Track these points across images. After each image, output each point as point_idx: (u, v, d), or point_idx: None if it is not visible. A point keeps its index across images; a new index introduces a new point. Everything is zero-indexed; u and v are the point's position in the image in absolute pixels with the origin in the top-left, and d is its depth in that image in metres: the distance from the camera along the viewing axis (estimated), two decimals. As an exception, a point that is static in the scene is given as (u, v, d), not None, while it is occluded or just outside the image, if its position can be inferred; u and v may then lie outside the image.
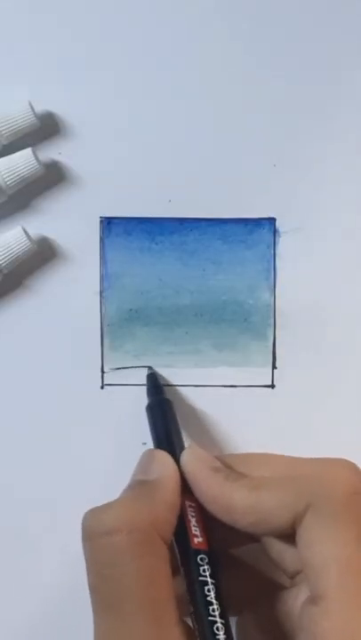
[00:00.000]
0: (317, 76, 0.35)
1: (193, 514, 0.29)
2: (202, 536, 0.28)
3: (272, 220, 0.35)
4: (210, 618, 0.26)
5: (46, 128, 0.35)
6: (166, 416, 0.33)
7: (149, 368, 0.35)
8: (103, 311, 0.35)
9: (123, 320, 0.35)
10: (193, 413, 0.35)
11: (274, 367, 0.35)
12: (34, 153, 0.34)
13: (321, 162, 0.35)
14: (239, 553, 0.31)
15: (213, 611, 0.27)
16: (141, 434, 0.35)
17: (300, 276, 0.35)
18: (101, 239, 0.35)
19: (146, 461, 0.30)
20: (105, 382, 0.35)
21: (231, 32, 0.35)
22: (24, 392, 0.35)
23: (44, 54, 0.35)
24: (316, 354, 0.35)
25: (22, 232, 0.34)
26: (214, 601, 0.27)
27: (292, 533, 0.27)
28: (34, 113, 0.33)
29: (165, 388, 0.35)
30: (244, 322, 0.35)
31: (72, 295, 0.35)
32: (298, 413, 0.35)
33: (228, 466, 0.30)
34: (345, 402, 0.35)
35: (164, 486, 0.28)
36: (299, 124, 0.35)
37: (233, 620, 0.31)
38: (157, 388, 0.34)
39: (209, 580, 0.27)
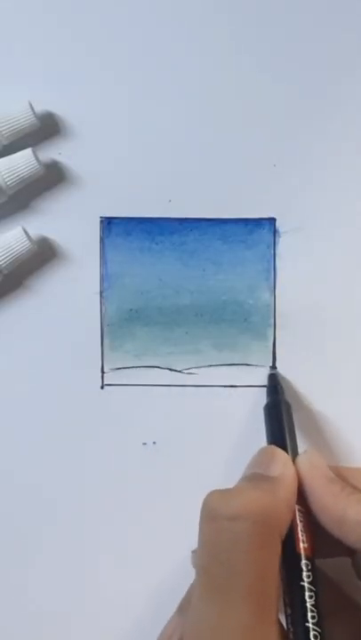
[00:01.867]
0: (318, 76, 0.35)
1: (301, 519, 0.29)
2: (307, 542, 0.28)
3: (272, 220, 0.35)
4: (307, 624, 0.26)
5: (46, 128, 0.35)
6: (284, 418, 0.32)
7: (271, 368, 0.35)
8: (103, 311, 0.35)
9: (123, 320, 0.35)
10: (198, 412, 0.35)
11: (274, 367, 0.35)
12: (34, 153, 0.34)
13: (321, 162, 0.35)
14: (326, 563, 0.31)
15: (312, 618, 0.26)
16: (141, 434, 0.35)
17: (300, 275, 0.35)
18: (101, 239, 0.35)
19: (266, 458, 0.30)
20: (105, 382, 0.35)
21: (231, 32, 0.35)
22: (24, 392, 0.35)
23: (44, 54, 0.35)
24: (316, 354, 0.35)
25: (22, 232, 0.34)
26: (312, 608, 0.27)
27: None
28: (34, 113, 0.33)
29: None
30: (244, 322, 0.35)
31: (72, 295, 0.35)
32: (298, 413, 0.35)
33: (342, 478, 0.30)
34: (345, 402, 0.35)
35: (287, 485, 0.28)
36: (299, 124, 0.35)
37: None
38: (278, 388, 0.34)
39: (311, 586, 0.27)
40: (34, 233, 0.35)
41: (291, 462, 0.30)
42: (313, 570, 0.28)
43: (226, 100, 0.35)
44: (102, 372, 0.35)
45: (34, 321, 0.35)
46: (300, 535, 0.28)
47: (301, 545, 0.28)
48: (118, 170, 0.35)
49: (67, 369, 0.35)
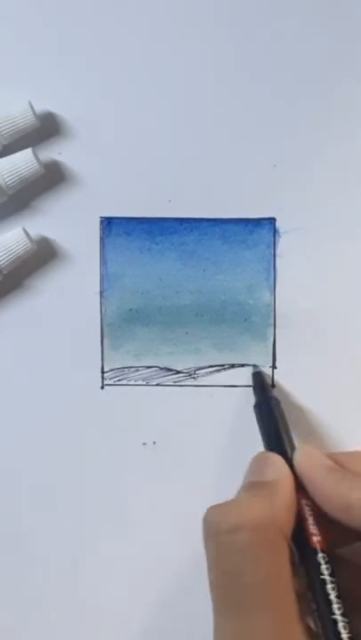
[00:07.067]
0: (318, 76, 0.35)
1: (310, 513, 0.29)
2: (320, 535, 0.28)
3: (272, 220, 0.35)
4: (333, 616, 0.26)
5: (46, 128, 0.35)
6: (275, 415, 0.32)
7: (255, 366, 0.35)
8: (103, 311, 0.35)
9: (123, 320, 0.35)
10: (195, 412, 0.35)
11: (274, 367, 0.35)
12: (34, 153, 0.34)
13: (321, 162, 0.35)
14: (345, 552, 0.31)
15: (337, 609, 0.27)
16: (141, 434, 0.35)
17: (300, 276, 0.35)
18: (101, 239, 0.35)
19: (259, 464, 0.30)
20: (105, 382, 0.35)
21: (231, 32, 0.35)
22: (24, 392, 0.35)
23: (44, 54, 0.35)
24: (316, 354, 0.35)
25: (22, 232, 0.34)
26: (336, 599, 0.27)
27: None
28: (34, 113, 0.34)
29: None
30: (244, 322, 0.35)
31: (72, 295, 0.35)
32: (298, 413, 0.35)
33: (341, 464, 0.30)
34: (345, 402, 0.35)
35: (282, 487, 0.28)
36: (299, 124, 0.35)
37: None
38: (265, 386, 0.34)
39: (330, 578, 0.27)
40: (34, 233, 0.35)
41: (284, 463, 0.30)
42: (331, 561, 0.28)
43: (226, 100, 0.35)
44: (102, 372, 0.35)
45: (34, 321, 0.35)
46: (312, 529, 0.28)
47: (315, 539, 0.28)
48: (118, 170, 0.35)
49: (67, 369, 0.35)
